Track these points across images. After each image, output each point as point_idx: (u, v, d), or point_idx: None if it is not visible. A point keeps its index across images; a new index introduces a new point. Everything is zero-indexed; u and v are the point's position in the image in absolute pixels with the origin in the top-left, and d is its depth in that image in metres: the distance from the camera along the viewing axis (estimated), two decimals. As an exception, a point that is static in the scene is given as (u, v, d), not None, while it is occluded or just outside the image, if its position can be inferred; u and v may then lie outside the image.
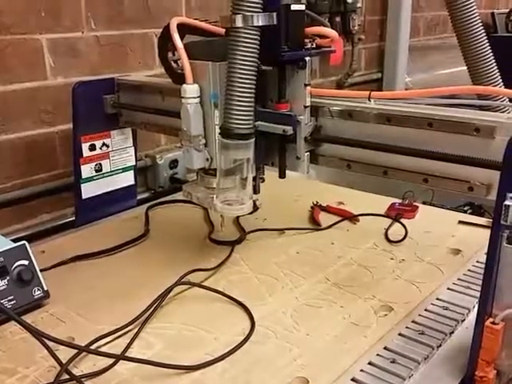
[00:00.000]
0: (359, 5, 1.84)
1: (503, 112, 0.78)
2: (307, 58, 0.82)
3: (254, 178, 0.91)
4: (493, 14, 2.81)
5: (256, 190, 0.93)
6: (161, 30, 0.88)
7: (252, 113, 0.78)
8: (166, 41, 0.88)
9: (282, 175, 0.91)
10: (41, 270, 0.84)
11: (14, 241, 0.84)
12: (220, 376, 0.67)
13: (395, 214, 1.13)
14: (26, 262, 0.81)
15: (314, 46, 0.84)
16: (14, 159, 1.13)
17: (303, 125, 0.84)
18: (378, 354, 0.71)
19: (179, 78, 0.86)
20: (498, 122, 0.70)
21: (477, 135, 0.71)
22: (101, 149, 1.12)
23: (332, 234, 1.08)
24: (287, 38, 0.79)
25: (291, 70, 0.84)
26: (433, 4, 2.45)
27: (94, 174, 1.12)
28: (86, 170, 1.10)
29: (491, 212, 1.29)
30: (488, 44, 0.83)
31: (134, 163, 1.19)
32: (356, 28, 1.85)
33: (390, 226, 1.09)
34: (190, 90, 0.83)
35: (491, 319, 0.63)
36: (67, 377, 0.67)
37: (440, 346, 0.73)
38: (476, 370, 0.65)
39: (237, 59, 0.75)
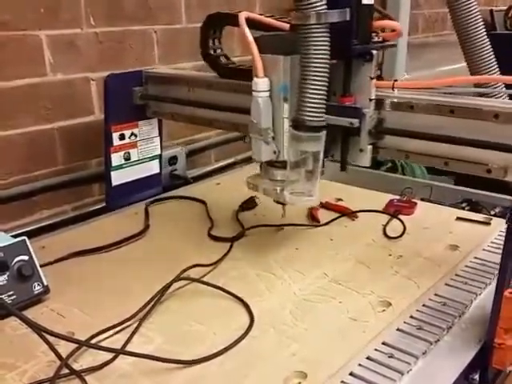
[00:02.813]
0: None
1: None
2: (374, 52, 0.83)
3: None
4: (491, 11, 2.81)
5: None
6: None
7: (324, 106, 0.80)
8: (208, 30, 0.91)
9: (343, 168, 0.92)
10: (41, 266, 0.84)
11: (15, 236, 0.84)
12: (219, 370, 0.68)
13: (393, 211, 1.13)
14: (26, 258, 0.81)
15: (381, 39, 0.86)
16: (13, 155, 1.13)
17: (368, 118, 0.85)
18: (376, 349, 0.71)
19: (227, 72, 0.87)
20: None
21: (495, 121, 0.75)
22: (129, 138, 1.17)
23: (331, 230, 1.08)
24: (357, 32, 0.81)
25: (357, 64, 0.85)
26: (432, 1, 2.46)
27: (124, 162, 1.17)
28: (116, 158, 1.16)
29: (489, 209, 1.30)
30: (488, 41, 0.83)
31: (159, 152, 1.25)
32: (355, 25, 1.85)
33: (389, 222, 1.09)
34: (262, 83, 0.84)
35: (510, 289, 0.68)
36: (67, 371, 0.67)
37: (438, 341, 0.74)
38: (495, 338, 0.69)
39: (310, 54, 0.77)
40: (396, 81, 0.84)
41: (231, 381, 0.66)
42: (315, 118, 0.79)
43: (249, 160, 1.44)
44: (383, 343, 0.73)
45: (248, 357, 0.70)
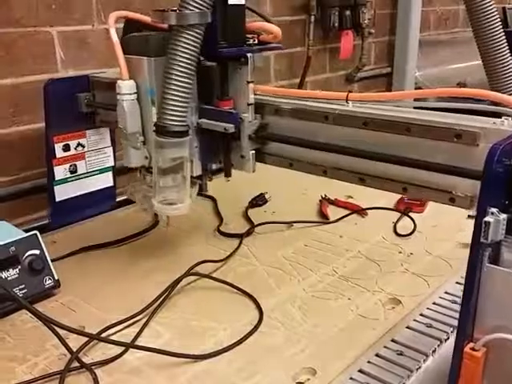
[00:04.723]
0: (369, -2, 1.84)
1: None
2: (249, 55, 0.79)
3: (201, 177, 0.89)
4: (504, 8, 2.78)
5: (203, 189, 0.92)
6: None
7: (187, 110, 0.77)
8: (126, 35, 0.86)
9: (226, 174, 0.88)
10: (52, 260, 0.85)
11: (26, 231, 0.85)
12: (228, 365, 0.68)
13: (404, 208, 1.13)
14: (37, 252, 0.82)
15: (256, 42, 0.81)
16: (25, 151, 1.14)
17: (247, 123, 0.81)
18: (385, 346, 0.71)
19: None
20: (483, 127, 0.62)
21: (458, 142, 0.64)
22: (76, 149, 1.06)
23: (340, 227, 1.08)
24: (225, 33, 0.78)
25: (233, 67, 0.81)
26: (444, -2, 2.44)
27: (69, 175, 1.06)
28: (60, 172, 1.05)
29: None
30: (505, 39, 0.82)
31: (112, 164, 1.14)
32: (366, 22, 1.84)
33: (399, 219, 1.09)
34: (125, 86, 0.81)
35: (472, 344, 0.56)
36: (77, 365, 0.68)
37: (448, 339, 0.73)
38: None
39: (173, 56, 0.73)
40: (350, 92, 0.77)
41: (239, 376, 0.66)
42: (177, 123, 0.76)
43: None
44: (392, 341, 0.72)
45: (257, 352, 0.70)
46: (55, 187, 1.05)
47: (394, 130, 0.70)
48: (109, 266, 0.93)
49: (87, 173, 1.09)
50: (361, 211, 1.13)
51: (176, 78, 0.74)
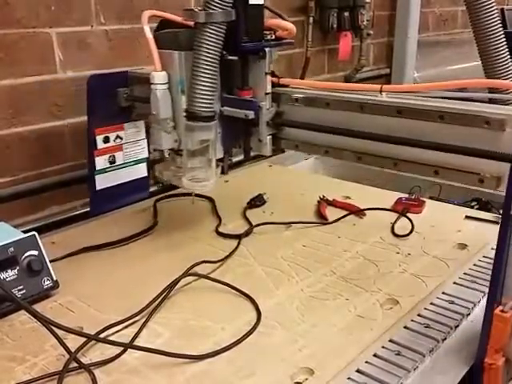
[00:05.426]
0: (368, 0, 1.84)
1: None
2: (267, 49, 0.89)
3: (222, 160, 1.00)
4: (502, 9, 2.78)
5: (224, 171, 1.03)
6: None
7: (214, 98, 0.87)
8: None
9: (246, 156, 1.02)
10: (51, 261, 0.85)
11: (25, 232, 0.85)
12: (227, 365, 0.68)
13: (402, 209, 1.13)
14: (35, 253, 0.82)
15: (274, 37, 0.91)
16: (24, 152, 1.14)
17: (264, 110, 0.92)
18: (383, 347, 0.71)
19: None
20: (509, 114, 0.70)
21: (487, 128, 0.72)
22: (114, 141, 1.13)
23: (338, 227, 1.08)
24: (247, 30, 0.88)
25: (253, 60, 0.92)
26: (442, -1, 2.44)
27: (108, 165, 1.14)
28: (100, 162, 1.12)
29: (499, 208, 1.29)
30: (505, 41, 0.83)
31: (146, 155, 1.21)
32: (364, 23, 1.84)
33: (397, 220, 1.09)
34: (158, 76, 0.91)
35: (501, 307, 0.64)
36: (76, 365, 0.68)
37: (445, 339, 0.74)
38: (485, 358, 0.66)
39: (201, 50, 0.83)
40: (383, 84, 0.85)
41: (238, 376, 0.66)
42: (205, 109, 0.86)
43: (257, 158, 1.44)
44: (390, 341, 0.73)
45: (255, 352, 0.71)
46: (96, 176, 1.11)
47: (429, 117, 0.77)
48: (107, 267, 0.93)
49: (124, 163, 1.16)
50: (359, 212, 1.13)
51: (204, 68, 0.84)
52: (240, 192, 1.22)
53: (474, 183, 0.75)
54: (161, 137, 0.93)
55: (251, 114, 0.90)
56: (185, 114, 0.88)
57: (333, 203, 1.18)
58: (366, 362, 0.69)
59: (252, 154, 1.02)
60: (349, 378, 0.66)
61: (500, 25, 0.83)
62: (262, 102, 0.92)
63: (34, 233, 0.84)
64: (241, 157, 1.57)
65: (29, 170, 1.15)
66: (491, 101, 0.80)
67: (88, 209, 1.22)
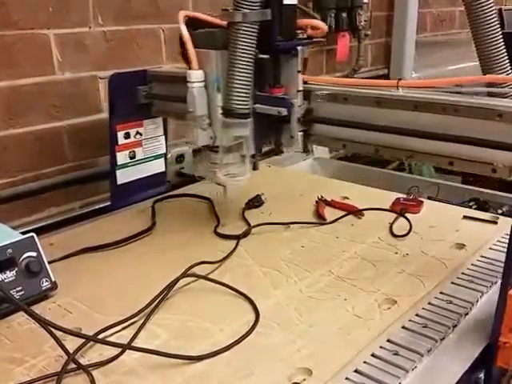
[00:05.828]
0: (366, 0, 1.84)
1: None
2: (299, 48, 0.92)
3: (254, 156, 1.02)
4: (500, 10, 2.79)
5: (256, 167, 1.08)
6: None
7: (249, 95, 0.90)
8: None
9: (278, 152, 1.07)
10: (49, 262, 0.85)
11: (23, 233, 0.85)
12: (225, 366, 0.68)
13: (400, 209, 1.13)
14: (34, 254, 0.82)
15: (305, 36, 0.93)
16: (23, 153, 1.14)
17: (296, 107, 0.93)
18: (381, 347, 0.71)
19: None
20: None
21: (499, 120, 0.76)
22: (135, 137, 1.18)
23: (337, 228, 1.08)
24: (281, 29, 0.89)
25: (285, 58, 0.93)
26: (440, 0, 2.44)
27: (129, 160, 1.19)
28: (121, 157, 1.17)
29: (496, 208, 1.29)
30: (502, 41, 0.84)
31: (164, 151, 1.27)
32: (362, 24, 1.85)
33: (395, 220, 1.09)
34: (195, 74, 0.93)
35: None
36: (74, 366, 0.68)
37: (443, 339, 0.74)
38: (499, 337, 0.70)
39: (236, 50, 0.86)
40: (400, 79, 0.88)
41: (236, 377, 0.66)
42: (241, 106, 0.89)
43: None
44: (388, 341, 0.73)
45: (253, 353, 0.71)
46: (117, 171, 1.17)
47: (444, 111, 0.81)
48: (105, 268, 0.93)
49: (144, 159, 1.22)
50: (357, 212, 1.14)
51: (241, 66, 0.86)
52: (238, 193, 1.21)
53: (487, 173, 0.79)
54: (197, 134, 0.95)
55: (284, 111, 0.91)
56: (221, 111, 0.91)
57: (331, 204, 1.18)
58: (364, 362, 0.69)
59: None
60: (347, 379, 0.66)
61: (498, 25, 0.83)
62: (293, 99, 0.93)
63: (32, 234, 0.83)
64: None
65: (27, 171, 1.15)
66: (489, 94, 0.84)
67: (88, 209, 1.23)
